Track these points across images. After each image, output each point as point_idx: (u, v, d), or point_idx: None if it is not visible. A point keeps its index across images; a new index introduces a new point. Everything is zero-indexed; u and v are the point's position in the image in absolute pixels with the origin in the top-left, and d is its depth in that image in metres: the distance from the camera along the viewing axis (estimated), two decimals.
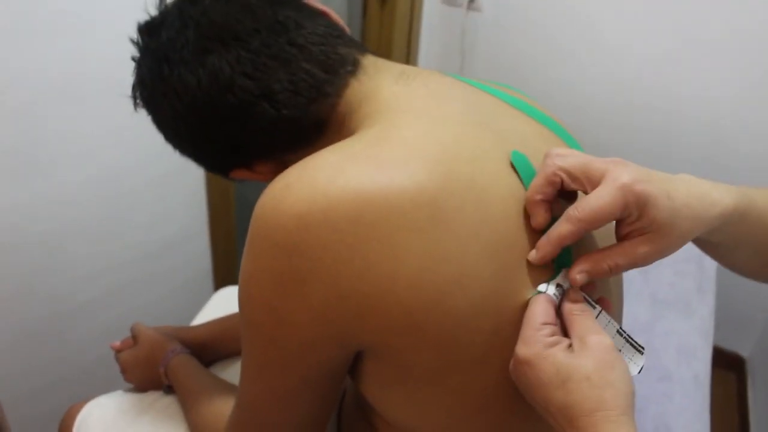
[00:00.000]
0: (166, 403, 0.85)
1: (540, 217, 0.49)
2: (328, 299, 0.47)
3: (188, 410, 0.76)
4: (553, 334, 0.46)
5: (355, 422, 0.70)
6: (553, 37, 1.82)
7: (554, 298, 0.49)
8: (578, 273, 0.48)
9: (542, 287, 0.49)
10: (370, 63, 0.58)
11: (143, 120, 0.64)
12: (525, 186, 0.51)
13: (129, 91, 0.62)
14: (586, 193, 0.48)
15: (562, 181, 0.48)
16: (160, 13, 0.60)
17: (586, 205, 0.45)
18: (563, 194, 0.50)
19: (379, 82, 0.57)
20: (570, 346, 0.46)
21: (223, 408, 0.68)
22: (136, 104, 0.62)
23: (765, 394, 1.75)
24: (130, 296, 1.43)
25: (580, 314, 0.47)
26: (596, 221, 0.45)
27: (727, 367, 1.94)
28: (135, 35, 0.61)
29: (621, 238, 0.48)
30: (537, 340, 0.45)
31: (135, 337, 0.89)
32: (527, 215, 0.50)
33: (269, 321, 0.50)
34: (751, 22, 1.54)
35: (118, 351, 0.90)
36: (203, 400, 0.73)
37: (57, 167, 1.16)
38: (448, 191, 0.47)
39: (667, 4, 1.61)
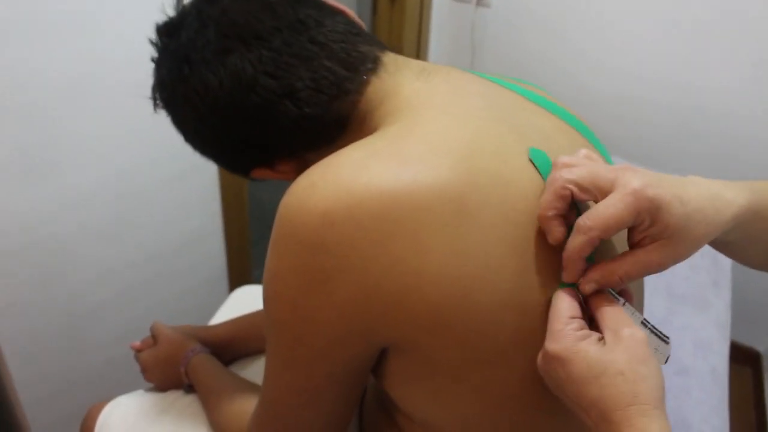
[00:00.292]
0: (187, 402, 0.85)
1: (556, 232, 0.47)
2: (354, 296, 0.47)
3: (210, 409, 0.77)
4: (581, 328, 0.46)
5: (377, 420, 0.70)
6: (561, 31, 1.81)
7: (578, 292, 0.48)
8: (587, 283, 0.47)
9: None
10: (391, 60, 0.58)
11: (156, 120, 0.63)
12: (545, 182, 0.51)
13: (142, 91, 0.62)
14: (597, 202, 0.47)
15: (572, 193, 0.47)
16: (178, 13, 0.60)
17: (597, 213, 0.44)
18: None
19: (399, 79, 0.56)
20: (600, 339, 0.45)
21: (245, 406, 0.68)
22: (156, 105, 0.62)
23: None
24: (146, 296, 1.43)
25: (609, 306, 0.47)
26: (609, 229, 0.44)
27: (743, 362, 1.93)
28: (153, 36, 0.61)
29: (633, 245, 0.47)
30: (566, 334, 0.45)
31: (155, 337, 0.90)
32: None
33: (294, 319, 0.50)
34: None
35: (138, 351, 0.91)
36: (225, 398, 0.73)
37: (70, 168, 1.16)
38: (472, 186, 0.47)
39: None
